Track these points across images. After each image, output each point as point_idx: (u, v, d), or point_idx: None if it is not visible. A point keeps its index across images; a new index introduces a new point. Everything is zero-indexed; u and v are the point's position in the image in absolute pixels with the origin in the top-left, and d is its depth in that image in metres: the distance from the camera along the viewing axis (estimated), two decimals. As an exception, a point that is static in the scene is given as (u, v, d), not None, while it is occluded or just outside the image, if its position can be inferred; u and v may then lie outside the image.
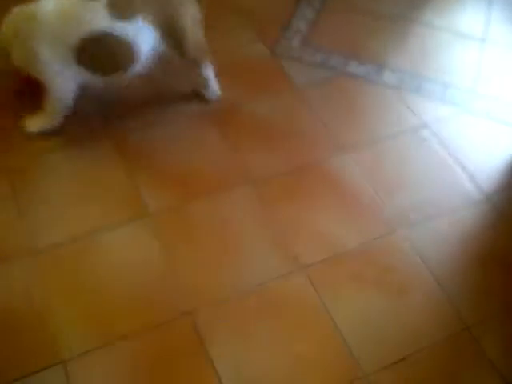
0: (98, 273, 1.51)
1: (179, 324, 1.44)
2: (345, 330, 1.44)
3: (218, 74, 1.92)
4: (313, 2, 2.30)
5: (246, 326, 1.44)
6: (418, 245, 1.63)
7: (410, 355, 1.41)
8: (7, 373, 1.34)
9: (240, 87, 1.98)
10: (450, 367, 1.42)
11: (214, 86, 1.91)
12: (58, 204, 1.65)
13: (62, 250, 1.54)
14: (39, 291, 1.47)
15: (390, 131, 1.92)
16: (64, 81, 1.68)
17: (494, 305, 1.53)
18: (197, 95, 1.93)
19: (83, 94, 1.78)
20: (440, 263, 1.59)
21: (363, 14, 2.30)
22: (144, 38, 1.62)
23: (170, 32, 1.65)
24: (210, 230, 1.63)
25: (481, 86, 2.09)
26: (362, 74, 2.07)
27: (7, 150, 1.75)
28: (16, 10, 1.65)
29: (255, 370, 1.37)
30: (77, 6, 1.59)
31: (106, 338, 1.40)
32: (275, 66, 2.07)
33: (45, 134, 1.78)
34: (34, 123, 1.77)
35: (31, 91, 1.77)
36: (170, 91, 1.95)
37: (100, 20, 1.56)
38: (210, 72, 1.87)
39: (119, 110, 1.88)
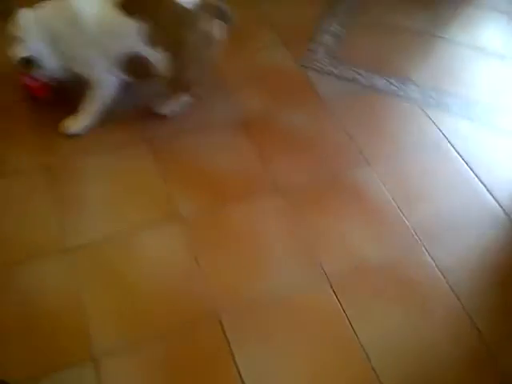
0: (130, 272, 1.57)
1: (207, 326, 1.49)
2: (366, 343, 1.48)
3: (247, 85, 1.97)
4: (339, 17, 2.35)
5: (271, 334, 1.49)
6: (440, 260, 1.67)
7: (429, 369, 1.46)
8: (39, 367, 1.39)
9: (269, 98, 2.04)
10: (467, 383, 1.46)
11: (171, 106, 1.95)
12: (93, 203, 1.71)
13: (96, 249, 1.60)
14: (73, 288, 1.52)
15: (413, 145, 1.97)
16: (108, 78, 1.82)
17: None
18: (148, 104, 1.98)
19: (123, 98, 1.86)
20: (460, 279, 1.64)
21: (388, 30, 2.35)
22: (162, 62, 1.76)
23: (175, 65, 1.77)
24: (240, 235, 1.68)
25: (502, 102, 2.13)
26: (386, 87, 2.11)
27: (47, 148, 1.82)
28: (29, 11, 1.73)
29: (278, 378, 1.42)
30: (116, 22, 1.70)
31: (136, 336, 1.45)
32: (302, 78, 2.12)
33: (84, 135, 1.86)
34: (75, 124, 1.86)
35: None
36: (204, 100, 2.00)
37: (134, 43, 1.73)
38: (177, 97, 1.93)
39: (157, 115, 1.94)
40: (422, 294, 1.59)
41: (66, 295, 1.51)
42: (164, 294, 1.54)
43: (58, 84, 1.88)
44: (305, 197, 1.78)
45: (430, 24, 2.40)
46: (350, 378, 1.43)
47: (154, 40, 1.71)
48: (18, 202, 1.69)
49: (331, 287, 1.58)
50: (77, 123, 1.86)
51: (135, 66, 1.78)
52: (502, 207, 1.81)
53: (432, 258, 1.67)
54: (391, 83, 2.12)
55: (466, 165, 1.92)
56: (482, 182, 1.87)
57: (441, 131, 2.01)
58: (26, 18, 1.72)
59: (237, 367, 1.42)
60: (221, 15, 1.77)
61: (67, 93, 1.92)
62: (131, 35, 1.70)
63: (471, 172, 1.90)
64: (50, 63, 1.77)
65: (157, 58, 1.75)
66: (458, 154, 1.95)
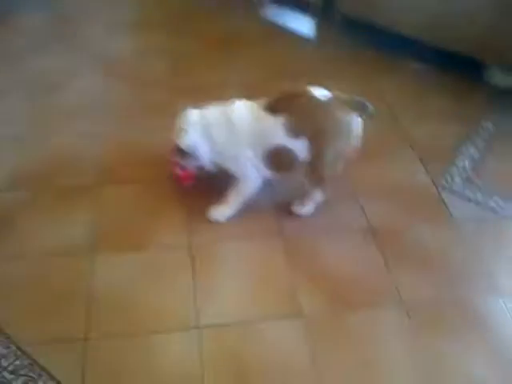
0: (249, 358, 1.65)
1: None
2: None
3: (378, 196, 2.09)
4: (478, 144, 2.42)
5: None
6: None
7: None
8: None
9: (399, 211, 2.11)
10: None
11: (308, 207, 2.08)
12: (225, 287, 1.84)
13: (222, 331, 1.71)
14: (196, 363, 1.62)
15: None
16: (254, 175, 2.01)
17: None
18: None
19: (264, 193, 2.03)
20: None
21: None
22: (303, 151, 1.93)
23: (314, 157, 1.93)
24: (357, 342, 1.71)
25: None
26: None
27: (191, 229, 2.01)
28: (197, 110, 1.99)
29: None
30: (265, 121, 1.92)
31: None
32: (436, 197, 2.18)
33: (225, 223, 2.03)
34: (219, 212, 2.05)
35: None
36: (335, 205, 2.12)
37: (280, 136, 1.91)
38: (315, 196, 2.05)
39: (293, 214, 2.09)
40: None
41: (187, 371, 1.61)
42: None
43: (205, 174, 2.10)
44: (428, 316, 1.78)
45: None
46: None
47: (296, 131, 1.88)
48: (161, 273, 1.87)
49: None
50: (221, 212, 2.05)
51: (279, 159, 1.94)
52: None
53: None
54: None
55: None
56: None
57: None
58: (193, 115, 1.99)
59: None
60: (360, 108, 1.90)
61: (213, 183, 2.12)
62: (277, 130, 1.90)
63: None
64: (204, 156, 2.00)
65: (299, 147, 1.90)
66: None
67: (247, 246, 1.98)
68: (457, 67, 2.81)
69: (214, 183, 2.13)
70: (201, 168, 2.06)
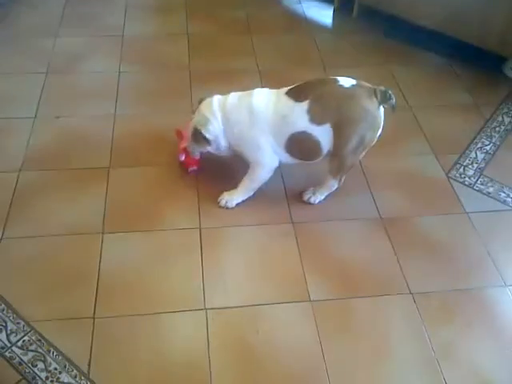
0: (254, 341, 1.66)
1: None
2: None
3: (390, 186, 2.09)
4: (492, 137, 2.41)
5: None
6: None
7: None
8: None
9: (411, 202, 2.11)
10: None
11: (320, 196, 2.07)
12: (234, 271, 1.86)
13: (229, 314, 1.73)
14: (201, 345, 1.64)
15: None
16: (270, 162, 2.01)
17: None
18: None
19: (274, 182, 2.03)
20: None
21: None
22: (327, 139, 1.91)
23: (337, 144, 1.92)
24: (364, 330, 1.72)
25: None
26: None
27: (203, 213, 2.02)
28: (219, 96, 2.00)
29: None
30: (287, 107, 1.91)
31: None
32: (448, 189, 2.17)
33: (236, 208, 2.04)
34: (232, 199, 2.06)
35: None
36: (348, 194, 2.12)
37: (303, 123, 1.89)
38: (330, 185, 2.05)
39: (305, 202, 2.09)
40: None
41: (195, 350, 1.64)
42: (285, 368, 1.60)
43: (214, 160, 2.12)
44: (437, 305, 1.78)
45: None
46: None
47: (320, 118, 1.87)
48: (170, 254, 1.89)
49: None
50: (233, 198, 2.05)
51: (302, 145, 1.94)
52: None
53: None
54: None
55: None
56: None
57: None
58: (216, 102, 2.00)
59: None
60: (384, 98, 1.88)
61: (225, 168, 2.15)
62: (301, 117, 1.88)
63: None
64: (221, 142, 2.01)
65: (322, 133, 1.89)
66: None
67: (257, 231, 1.98)
68: (475, 60, 2.79)
69: (225, 168, 2.14)
70: (218, 154, 2.08)
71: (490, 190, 2.17)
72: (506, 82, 2.72)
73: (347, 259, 1.90)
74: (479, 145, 2.36)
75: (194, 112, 2.08)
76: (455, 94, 2.64)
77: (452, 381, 1.60)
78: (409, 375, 1.61)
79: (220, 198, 2.06)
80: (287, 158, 2.01)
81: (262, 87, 2.02)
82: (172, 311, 1.72)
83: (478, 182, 2.20)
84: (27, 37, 2.85)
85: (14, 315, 1.68)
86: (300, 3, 3.26)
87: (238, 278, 1.83)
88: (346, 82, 1.90)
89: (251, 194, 2.06)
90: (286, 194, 2.11)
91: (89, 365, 1.58)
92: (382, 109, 1.90)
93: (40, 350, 1.60)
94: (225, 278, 1.83)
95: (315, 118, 1.87)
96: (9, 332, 1.64)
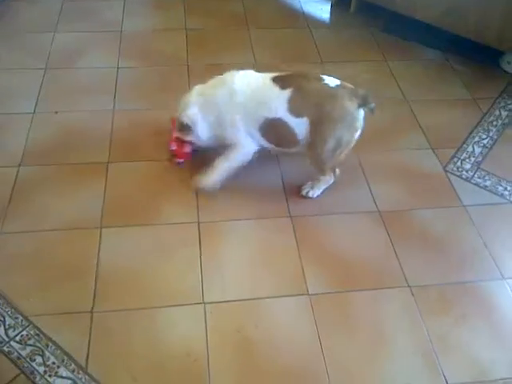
0: (253, 333, 1.67)
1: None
2: None
3: (387, 180, 2.10)
4: (489, 131, 2.41)
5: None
6: None
7: None
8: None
9: (408, 195, 2.11)
10: None
11: (316, 191, 2.08)
12: (232, 264, 1.86)
13: (227, 307, 1.74)
14: (200, 337, 1.65)
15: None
16: (248, 144, 2.02)
17: None
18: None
19: (272, 176, 2.04)
20: None
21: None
22: (302, 130, 1.93)
23: (315, 142, 1.93)
24: (362, 322, 1.73)
25: None
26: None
27: (200, 206, 2.03)
28: (199, 86, 2.05)
29: None
30: (270, 92, 1.93)
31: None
32: (445, 182, 2.18)
33: (233, 201, 2.05)
34: (205, 179, 2.06)
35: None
36: (344, 187, 2.13)
37: (281, 110, 1.92)
38: (323, 179, 2.06)
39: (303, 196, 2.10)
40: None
41: (193, 344, 1.64)
42: (282, 360, 1.62)
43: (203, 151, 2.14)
44: (434, 298, 1.79)
45: None
46: None
47: (299, 110, 1.89)
48: (169, 249, 1.89)
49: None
50: (207, 178, 2.05)
51: (277, 132, 1.95)
52: None
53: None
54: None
55: None
56: None
57: None
58: (196, 89, 2.04)
59: None
60: (364, 101, 1.91)
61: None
62: (280, 104, 1.90)
63: None
64: (203, 131, 2.03)
65: (298, 124, 1.91)
66: None
67: (256, 225, 1.99)
68: (472, 54, 2.79)
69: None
70: (197, 144, 2.10)
71: (487, 183, 2.17)
72: (502, 76, 2.72)
73: (345, 253, 1.91)
74: (476, 139, 2.37)
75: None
76: (452, 88, 2.64)
77: (449, 372, 1.61)
78: (407, 367, 1.62)
79: (197, 180, 2.07)
80: (264, 142, 2.01)
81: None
82: (170, 305, 1.73)
83: (476, 175, 2.20)
84: (26, 32, 2.84)
85: (12, 310, 1.69)
86: (298, -2, 3.26)
87: (237, 271, 1.84)
88: (330, 81, 1.92)
89: (225, 174, 2.05)
90: (284, 188, 2.12)
91: (87, 359, 1.59)
92: (361, 111, 1.92)
93: (38, 345, 1.61)
94: (223, 271, 1.83)
95: (294, 109, 1.90)
96: (7, 327, 1.65)
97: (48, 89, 2.51)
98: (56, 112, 2.39)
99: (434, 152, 2.30)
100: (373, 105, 1.93)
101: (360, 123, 1.93)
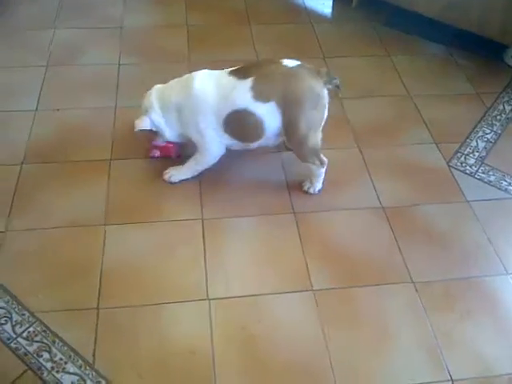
0: (257, 330, 1.68)
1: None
2: None
3: (390, 175, 2.10)
4: (493, 126, 2.41)
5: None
6: None
7: None
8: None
9: (412, 191, 2.11)
10: None
11: (316, 184, 2.08)
12: (236, 261, 1.87)
13: (231, 304, 1.74)
14: (205, 334, 1.65)
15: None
16: (215, 148, 2.02)
17: None
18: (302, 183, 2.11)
19: (277, 170, 2.04)
20: None
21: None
22: (272, 118, 1.90)
23: (287, 124, 1.92)
24: (367, 317, 1.73)
25: None
26: (533, 200, 2.10)
27: (206, 205, 2.03)
28: (159, 86, 2.03)
29: None
30: (229, 85, 1.91)
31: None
32: (449, 176, 2.18)
33: (239, 196, 2.05)
34: (176, 175, 2.09)
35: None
36: (347, 184, 2.13)
37: (245, 100, 1.89)
38: (315, 171, 2.04)
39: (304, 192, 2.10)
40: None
41: (197, 340, 1.65)
42: (287, 357, 1.62)
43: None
44: (438, 293, 1.79)
45: None
46: None
47: (265, 95, 1.86)
48: (173, 245, 1.89)
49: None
50: (178, 174, 2.08)
51: (241, 123, 1.92)
52: None
53: None
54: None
55: None
56: None
57: None
58: (154, 92, 2.02)
59: None
60: (327, 79, 1.90)
61: (227, 160, 2.11)
62: (243, 93, 1.87)
63: None
64: (169, 131, 2.02)
65: (265, 112, 1.88)
66: None
67: (259, 221, 1.99)
68: (475, 49, 2.78)
69: (228, 159, 2.13)
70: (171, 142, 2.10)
71: (491, 178, 2.17)
72: (506, 71, 2.71)
73: (349, 248, 1.91)
74: (480, 133, 2.36)
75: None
76: (456, 83, 2.64)
77: (454, 367, 1.61)
78: (411, 362, 1.62)
79: (166, 172, 2.09)
80: (227, 140, 1.99)
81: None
82: (175, 301, 1.73)
83: (479, 170, 2.20)
84: (26, 29, 2.83)
85: (19, 306, 1.69)
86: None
87: (241, 268, 1.84)
88: (289, 62, 1.91)
89: (195, 174, 2.08)
90: (287, 184, 2.12)
91: (94, 355, 1.59)
92: (325, 89, 1.91)
93: (45, 341, 1.62)
94: (227, 268, 1.84)
95: (259, 95, 1.86)
96: (14, 323, 1.66)
97: (49, 86, 2.51)
98: (58, 109, 2.38)
99: (437, 147, 2.29)
100: (337, 80, 1.93)
101: (326, 101, 1.92)
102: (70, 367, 1.56)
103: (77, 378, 1.54)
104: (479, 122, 2.42)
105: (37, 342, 1.61)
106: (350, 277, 1.83)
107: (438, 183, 2.15)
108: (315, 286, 1.79)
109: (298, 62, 1.92)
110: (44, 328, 1.64)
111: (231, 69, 1.95)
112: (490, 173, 2.19)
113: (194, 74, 1.98)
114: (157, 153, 2.17)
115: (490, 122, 2.42)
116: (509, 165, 2.23)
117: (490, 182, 2.16)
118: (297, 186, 2.10)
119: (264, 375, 1.58)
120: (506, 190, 2.13)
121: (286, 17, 3.06)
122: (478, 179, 2.17)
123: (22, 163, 2.13)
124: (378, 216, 2.02)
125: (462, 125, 2.41)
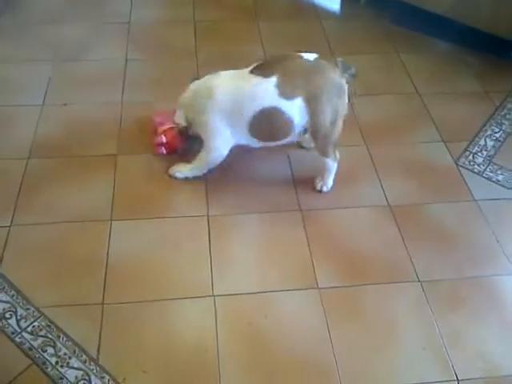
0: (263, 326, 1.67)
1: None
2: None
3: (398, 174, 2.08)
4: (502, 124, 2.39)
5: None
6: None
7: None
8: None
9: (419, 189, 2.10)
10: None
11: (328, 181, 2.07)
12: (242, 258, 1.86)
13: (237, 300, 1.73)
14: (210, 330, 1.65)
15: None
16: (221, 153, 2.02)
17: None
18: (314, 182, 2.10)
19: (282, 170, 2.02)
20: None
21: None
22: (300, 114, 1.89)
23: (315, 118, 1.90)
24: (373, 316, 1.72)
25: None
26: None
27: (212, 202, 2.02)
28: (193, 87, 2.02)
29: None
30: (252, 84, 1.89)
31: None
32: (457, 177, 2.16)
33: (246, 194, 2.05)
34: (181, 172, 2.09)
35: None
36: (354, 181, 2.12)
37: (272, 98, 1.87)
38: (330, 166, 2.03)
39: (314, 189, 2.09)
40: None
41: (202, 336, 1.64)
42: (292, 354, 1.61)
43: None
44: (444, 293, 1.78)
45: None
46: None
47: (290, 92, 1.84)
48: (179, 242, 1.89)
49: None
50: (183, 171, 2.08)
51: (270, 122, 1.90)
52: None
53: None
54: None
55: None
56: None
57: None
58: (188, 90, 2.03)
59: None
60: (344, 68, 1.93)
61: (234, 158, 2.09)
62: (269, 91, 1.85)
63: None
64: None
65: (292, 108, 1.86)
66: None
67: (265, 218, 1.98)
68: (484, 46, 2.75)
69: (234, 156, 2.12)
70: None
71: (500, 177, 2.15)
72: (515, 68, 2.70)
73: (355, 247, 1.90)
74: (489, 132, 2.34)
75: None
76: (464, 81, 2.62)
77: (460, 367, 1.60)
78: (417, 361, 1.61)
79: (172, 168, 2.09)
80: (252, 141, 1.98)
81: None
82: (180, 297, 1.73)
83: (488, 169, 2.18)
84: (34, 25, 2.83)
85: (24, 301, 1.69)
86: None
87: (246, 265, 1.84)
88: (309, 56, 1.91)
89: (200, 174, 2.08)
90: (293, 181, 2.11)
91: (98, 350, 1.59)
92: (344, 78, 1.92)
93: (50, 336, 1.62)
94: (233, 265, 1.83)
95: (285, 92, 1.85)
96: (19, 318, 1.66)
97: (56, 81, 2.50)
98: (65, 104, 2.38)
99: (445, 145, 2.28)
100: (353, 70, 1.94)
101: (345, 89, 1.92)
102: (75, 362, 1.56)
103: (81, 373, 1.54)
104: (488, 120, 2.40)
105: (41, 336, 1.61)
106: (355, 275, 1.82)
107: (445, 182, 2.14)
108: (321, 284, 1.78)
109: (316, 55, 1.92)
110: (49, 323, 1.64)
111: (252, 67, 1.93)
112: (499, 172, 2.17)
113: (215, 75, 1.96)
114: (163, 149, 2.16)
115: (498, 121, 2.40)
116: (518, 164, 2.21)
117: (499, 181, 2.14)
118: (303, 184, 2.09)
119: (269, 371, 1.58)
120: (515, 189, 2.12)
121: (293, 13, 3.05)
122: (486, 178, 2.15)
123: (29, 158, 2.13)
124: (384, 214, 2.01)
125: (471, 123, 2.39)
